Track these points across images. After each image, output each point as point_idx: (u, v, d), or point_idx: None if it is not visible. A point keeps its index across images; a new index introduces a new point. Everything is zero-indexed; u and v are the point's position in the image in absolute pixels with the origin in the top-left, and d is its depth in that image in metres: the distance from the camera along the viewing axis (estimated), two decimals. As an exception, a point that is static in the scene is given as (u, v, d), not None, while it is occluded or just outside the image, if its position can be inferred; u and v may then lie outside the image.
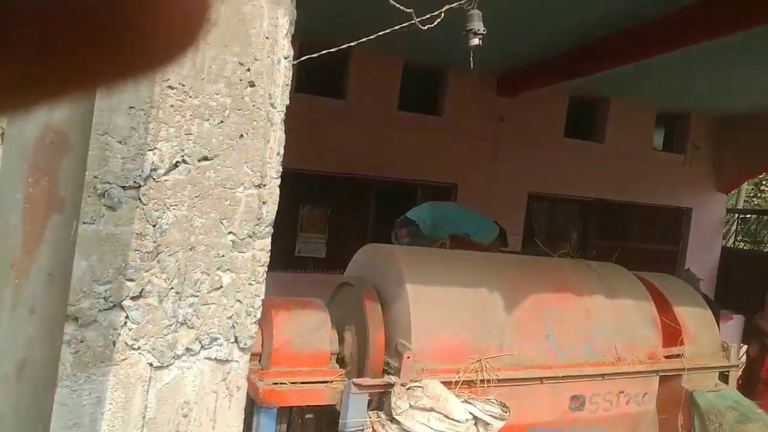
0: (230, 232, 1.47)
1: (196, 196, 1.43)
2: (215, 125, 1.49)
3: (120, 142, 1.34)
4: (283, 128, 1.63)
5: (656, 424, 3.12)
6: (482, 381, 2.45)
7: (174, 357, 1.37)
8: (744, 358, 4.73)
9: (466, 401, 2.31)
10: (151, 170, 1.38)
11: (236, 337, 1.46)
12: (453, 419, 2.21)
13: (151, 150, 1.39)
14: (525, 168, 7.31)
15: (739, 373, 3.90)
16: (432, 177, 7.02)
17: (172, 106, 1.43)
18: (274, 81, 1.60)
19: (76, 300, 1.24)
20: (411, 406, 2.20)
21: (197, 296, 1.41)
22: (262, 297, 1.52)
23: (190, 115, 1.46)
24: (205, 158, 1.47)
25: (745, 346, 5.14)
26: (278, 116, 1.62)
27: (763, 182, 15.61)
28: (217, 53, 1.49)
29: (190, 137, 1.45)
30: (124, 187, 1.33)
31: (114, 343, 1.29)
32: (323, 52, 2.56)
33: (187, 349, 1.39)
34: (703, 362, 3.28)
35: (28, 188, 0.97)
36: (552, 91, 6.94)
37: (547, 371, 2.68)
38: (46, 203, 0.98)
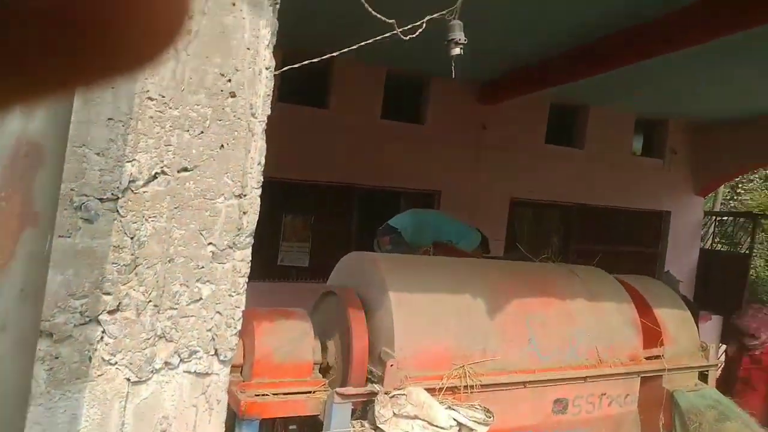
0: (210, 243, 1.46)
1: (176, 208, 1.42)
2: (195, 136, 1.49)
3: (98, 154, 1.33)
4: (264, 138, 1.63)
5: (638, 425, 3.15)
6: (466, 387, 2.46)
7: (152, 371, 1.35)
8: (723, 358, 4.82)
9: (450, 408, 2.32)
10: (130, 182, 1.36)
11: (216, 350, 1.45)
12: (437, 426, 2.21)
13: (130, 161, 1.38)
14: (507, 174, 7.39)
15: (719, 372, 3.97)
16: (415, 184, 7.05)
17: (151, 117, 1.42)
18: (255, 91, 1.60)
19: (50, 315, 1.22)
20: (395, 414, 2.20)
21: (176, 309, 1.39)
22: (243, 308, 1.51)
23: (170, 126, 1.45)
24: (185, 169, 1.46)
25: (724, 346, 5.24)
26: (259, 126, 1.62)
27: (739, 185, 15.96)
28: (198, 64, 1.49)
29: (169, 148, 1.45)
30: (101, 200, 1.31)
31: (90, 358, 1.27)
32: (305, 62, 2.56)
33: (166, 363, 1.37)
34: (682, 362, 3.33)
35: (0, 202, 0.96)
36: (533, 99, 7.03)
37: (530, 375, 2.71)
38: (20, 217, 0.97)
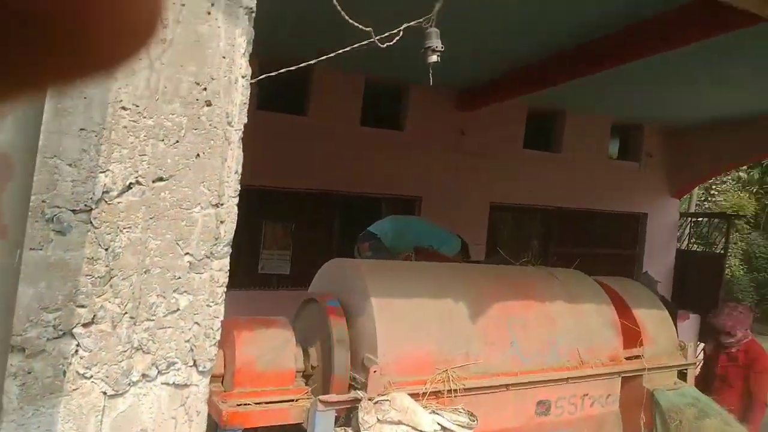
0: (187, 253, 1.45)
1: (151, 218, 1.40)
2: (170, 145, 1.48)
3: (70, 164, 1.31)
4: (241, 147, 1.62)
5: (620, 425, 3.19)
6: (449, 391, 2.46)
7: (129, 384, 1.33)
8: (701, 356, 4.90)
9: (434, 412, 2.32)
10: (103, 193, 1.35)
11: (195, 361, 1.43)
12: (422, 431, 2.21)
13: (103, 172, 1.36)
14: (486, 179, 7.46)
15: (697, 370, 4.04)
16: (396, 190, 7.07)
17: (125, 127, 1.41)
18: (231, 100, 1.60)
19: (22, 329, 1.20)
20: (379, 420, 2.19)
21: (153, 320, 1.38)
22: (222, 318, 1.50)
23: (144, 136, 1.44)
24: (160, 179, 1.45)
25: (702, 344, 5.32)
26: (236, 135, 1.61)
27: (713, 187, 16.34)
28: (173, 73, 1.48)
29: (144, 158, 1.43)
30: (74, 211, 1.29)
31: (64, 372, 1.24)
32: (282, 70, 2.56)
33: (143, 375, 1.35)
34: (662, 362, 3.38)
35: (-32, 215, 0.94)
36: (510, 105, 7.13)
37: (513, 378, 2.72)
38: (-11, 230, 0.95)
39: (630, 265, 8.79)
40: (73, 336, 1.26)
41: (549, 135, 8.23)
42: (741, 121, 7.74)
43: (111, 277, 1.32)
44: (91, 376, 1.28)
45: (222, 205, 1.52)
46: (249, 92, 1.65)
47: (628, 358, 3.24)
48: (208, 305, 1.47)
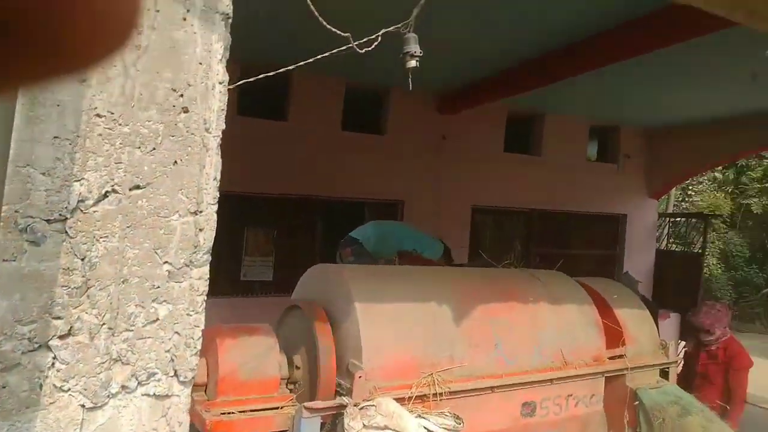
0: (166, 262, 1.43)
1: (128, 227, 1.38)
2: (147, 153, 1.46)
3: (43, 173, 1.28)
4: (220, 153, 1.61)
5: (605, 424, 3.22)
6: (435, 395, 2.46)
7: (108, 396, 1.30)
8: (682, 354, 4.97)
9: (419, 416, 2.31)
10: (79, 202, 1.32)
11: (176, 371, 1.41)
12: (407, 436, 2.20)
13: (78, 181, 1.33)
14: (468, 182, 7.51)
15: (679, 368, 4.10)
16: (378, 195, 7.08)
17: (100, 134, 1.38)
18: (208, 106, 1.58)
19: (-5, 343, 1.17)
20: (365, 425, 2.18)
21: (132, 330, 1.35)
22: (202, 327, 1.48)
23: (120, 144, 1.42)
24: (137, 187, 1.43)
25: (683, 343, 5.41)
26: (214, 141, 1.59)
27: (690, 187, 16.67)
28: (148, 79, 1.46)
29: (120, 166, 1.41)
30: (48, 221, 1.27)
31: (41, 386, 1.21)
32: (260, 76, 2.54)
33: (123, 387, 1.33)
34: (644, 361, 3.42)
35: (-64, 227, 0.91)
36: (491, 108, 7.20)
37: (498, 380, 2.73)
38: (-42, 242, 0.92)
39: (610, 265, 8.91)
40: (49, 348, 1.23)
41: (529, 138, 8.33)
42: (716, 122, 7.92)
43: (88, 288, 1.30)
44: (69, 389, 1.25)
45: (201, 212, 1.51)
46: (227, 98, 1.64)
47: (611, 358, 3.27)
48: (188, 314, 1.45)
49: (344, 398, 2.28)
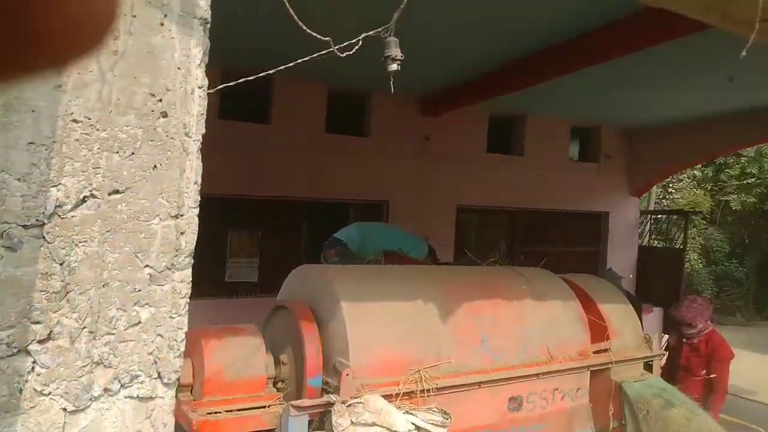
0: (147, 266, 1.43)
1: (108, 231, 1.38)
2: (126, 157, 1.46)
3: (19, 179, 1.28)
4: (200, 157, 1.61)
5: (590, 417, 3.26)
6: (422, 391, 2.47)
7: (91, 399, 1.30)
8: (665, 347, 5.05)
9: (407, 412, 2.33)
10: (56, 207, 1.32)
11: (159, 373, 1.41)
12: (396, 431, 2.22)
13: (55, 186, 1.33)
14: (452, 183, 7.56)
15: (663, 361, 4.16)
16: (363, 196, 7.10)
17: (77, 140, 1.38)
18: (188, 111, 1.58)
19: (-27, 349, 1.16)
20: (353, 422, 2.19)
21: (113, 334, 1.35)
22: (186, 329, 1.48)
23: (98, 149, 1.41)
24: (116, 191, 1.43)
25: (666, 336, 5.50)
26: (194, 145, 1.60)
27: (670, 185, 16.93)
28: (126, 84, 1.46)
29: (98, 171, 1.41)
30: (25, 226, 1.26)
31: (20, 390, 1.20)
32: (240, 80, 2.55)
33: (105, 390, 1.32)
34: (628, 354, 3.46)
35: None
36: (473, 110, 7.26)
37: (485, 376, 2.75)
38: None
39: (594, 262, 9.02)
40: (28, 353, 1.23)
41: (511, 138, 8.41)
42: (694, 121, 8.07)
43: (67, 292, 1.29)
44: (50, 393, 1.25)
45: (182, 216, 1.51)
46: (206, 102, 1.64)
47: (595, 352, 3.31)
48: (171, 317, 1.45)
49: (332, 396, 2.29)
